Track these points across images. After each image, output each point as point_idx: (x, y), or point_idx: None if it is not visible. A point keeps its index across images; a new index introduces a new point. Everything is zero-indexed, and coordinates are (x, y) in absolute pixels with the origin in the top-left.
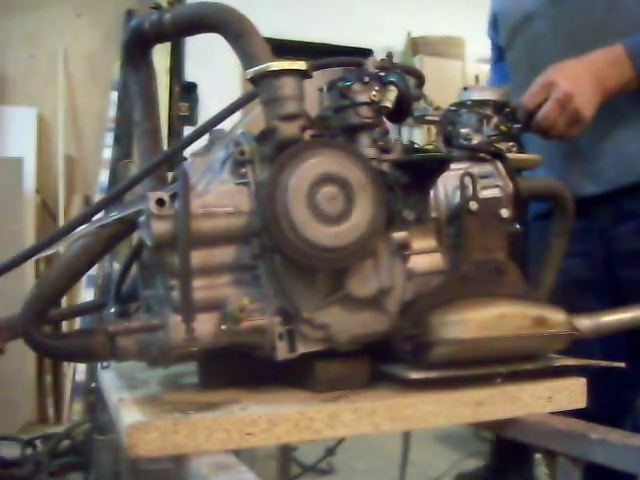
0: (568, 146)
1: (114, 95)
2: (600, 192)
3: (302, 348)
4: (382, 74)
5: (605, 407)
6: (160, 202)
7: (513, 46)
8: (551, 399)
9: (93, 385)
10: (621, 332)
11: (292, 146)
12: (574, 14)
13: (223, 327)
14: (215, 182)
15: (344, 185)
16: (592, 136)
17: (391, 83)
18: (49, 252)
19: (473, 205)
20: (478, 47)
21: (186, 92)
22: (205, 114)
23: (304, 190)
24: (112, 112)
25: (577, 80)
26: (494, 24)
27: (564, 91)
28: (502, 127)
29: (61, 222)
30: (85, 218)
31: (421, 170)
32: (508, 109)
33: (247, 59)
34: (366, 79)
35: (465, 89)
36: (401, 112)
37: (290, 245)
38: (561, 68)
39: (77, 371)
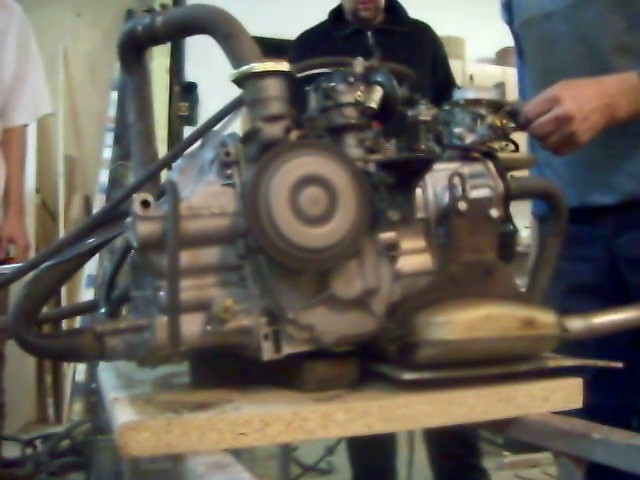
0: (577, 154)
1: (114, 95)
2: (607, 203)
3: (288, 349)
4: (368, 74)
5: (611, 407)
6: (145, 204)
7: (526, 38)
8: (547, 399)
9: (93, 385)
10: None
11: (275, 147)
12: (594, 23)
13: (208, 328)
14: (202, 183)
15: (327, 186)
16: (604, 149)
17: (377, 83)
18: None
19: (462, 205)
20: (478, 47)
21: (186, 92)
22: (205, 114)
23: (286, 191)
24: (112, 112)
25: (584, 104)
26: (508, 7)
27: (566, 111)
28: (496, 121)
29: (61, 222)
30: (87, 230)
31: (405, 170)
32: (509, 108)
33: (235, 60)
34: (351, 79)
35: (458, 88)
36: (387, 112)
37: (273, 246)
38: (572, 87)
39: (77, 371)
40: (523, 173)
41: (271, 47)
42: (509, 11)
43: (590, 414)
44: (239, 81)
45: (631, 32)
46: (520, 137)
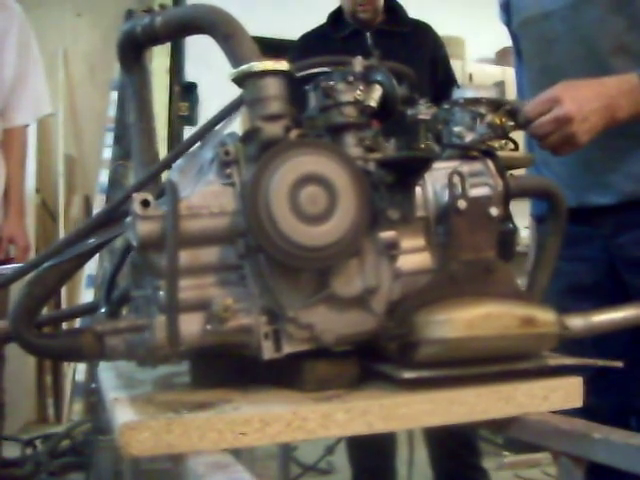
0: (575, 155)
1: (114, 95)
2: (605, 204)
3: (288, 348)
4: (368, 73)
5: (610, 407)
6: (145, 203)
7: (525, 38)
8: (546, 398)
9: (93, 385)
10: (619, 331)
11: (275, 146)
12: (593, 23)
13: (208, 327)
14: (202, 183)
15: (326, 185)
16: (602, 150)
17: (376, 82)
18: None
19: (462, 204)
20: (478, 47)
21: (186, 92)
22: (205, 114)
23: (286, 190)
24: (112, 112)
25: (583, 105)
26: (506, 7)
27: (565, 112)
28: (496, 120)
29: (61, 222)
30: (87, 230)
31: (405, 169)
32: (509, 107)
33: (235, 60)
34: (350, 78)
35: (458, 87)
36: (387, 111)
37: (272, 245)
38: (572, 87)
39: (77, 371)
40: (520, 173)
41: (271, 47)
42: (507, 12)
43: (589, 414)
44: (239, 80)
45: (631, 32)
46: (518, 136)
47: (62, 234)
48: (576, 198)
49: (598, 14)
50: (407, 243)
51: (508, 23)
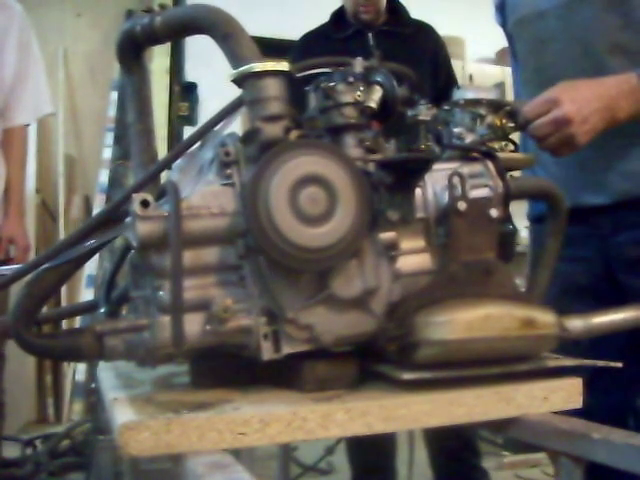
0: (570, 155)
1: (114, 95)
2: (601, 203)
3: (287, 348)
4: (368, 74)
5: (608, 408)
6: (144, 203)
7: (519, 38)
8: (546, 399)
9: (93, 385)
10: (616, 333)
11: (274, 147)
12: (589, 22)
13: (208, 328)
14: (202, 183)
15: (326, 186)
16: (597, 150)
17: (376, 83)
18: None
19: (461, 205)
20: (478, 47)
21: (186, 92)
22: (205, 114)
23: (286, 191)
24: (112, 112)
25: (583, 106)
26: (501, 7)
27: (564, 113)
28: (496, 121)
29: (61, 222)
30: (87, 231)
31: (405, 170)
32: (509, 108)
33: (235, 60)
34: (351, 79)
35: (458, 88)
36: (387, 112)
37: (272, 246)
38: (571, 88)
39: (77, 371)
40: (515, 174)
41: (271, 47)
42: (502, 12)
43: (586, 415)
44: (239, 81)
45: (625, 31)
46: (513, 136)
47: (62, 234)
48: (571, 198)
49: (593, 13)
50: (407, 244)
51: (503, 24)
